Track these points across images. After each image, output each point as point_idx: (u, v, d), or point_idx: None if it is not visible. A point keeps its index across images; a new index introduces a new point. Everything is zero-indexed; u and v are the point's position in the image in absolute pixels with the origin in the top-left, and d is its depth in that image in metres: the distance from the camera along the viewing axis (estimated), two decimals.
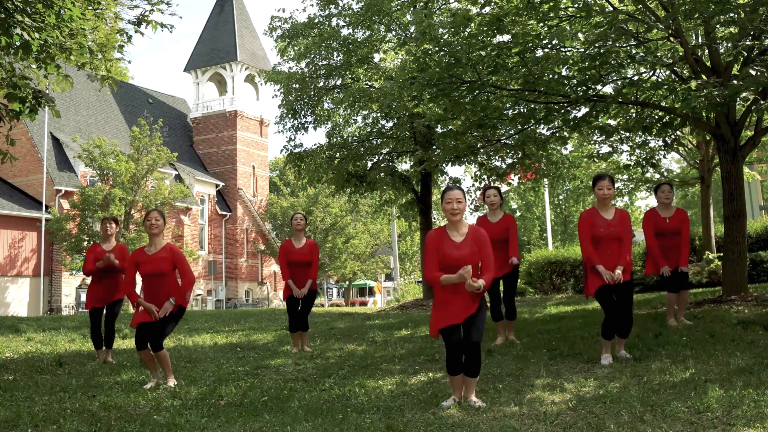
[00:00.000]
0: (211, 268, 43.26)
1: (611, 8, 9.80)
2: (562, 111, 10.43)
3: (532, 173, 14.83)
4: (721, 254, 10.99)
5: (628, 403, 4.70)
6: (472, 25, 10.49)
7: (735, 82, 8.35)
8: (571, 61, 9.99)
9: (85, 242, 31.84)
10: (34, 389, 6.36)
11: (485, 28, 10.09)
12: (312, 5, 19.84)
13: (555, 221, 46.21)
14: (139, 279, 6.64)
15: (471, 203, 20.34)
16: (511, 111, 11.11)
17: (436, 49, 10.51)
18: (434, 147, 16.70)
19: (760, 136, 10.35)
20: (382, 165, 18.83)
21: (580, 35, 9.64)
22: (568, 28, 9.91)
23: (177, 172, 42.42)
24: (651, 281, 14.26)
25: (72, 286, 35.92)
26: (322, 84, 18.80)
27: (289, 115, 19.14)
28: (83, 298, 33.50)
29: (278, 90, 19.06)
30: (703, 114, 9.83)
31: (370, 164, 18.96)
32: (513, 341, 8.07)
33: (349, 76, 18.89)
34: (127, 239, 31.00)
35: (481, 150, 12.87)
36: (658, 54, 10.52)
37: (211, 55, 47.88)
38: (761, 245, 14.77)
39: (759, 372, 5.31)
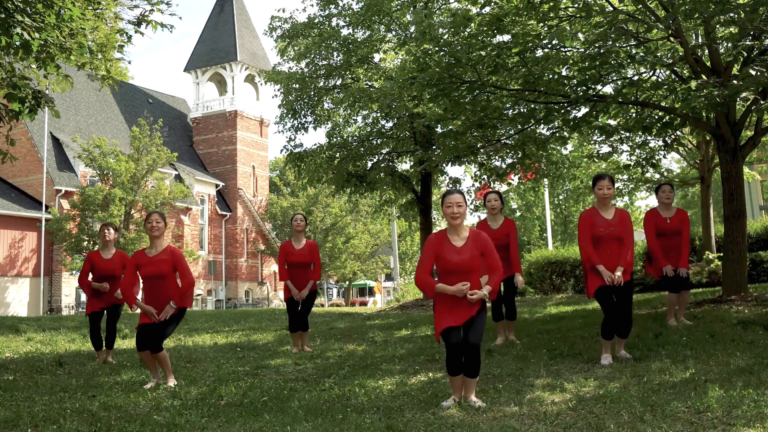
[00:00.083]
0: (211, 268, 43.26)
1: (611, 8, 9.80)
2: (562, 111, 10.43)
3: (532, 173, 14.83)
4: (721, 254, 10.99)
5: (628, 403, 4.70)
6: (472, 25, 10.49)
7: (735, 82, 8.35)
8: (571, 61, 9.99)
9: (85, 242, 31.85)
10: (34, 389, 6.36)
11: (485, 28, 10.09)
12: (312, 5, 19.84)
13: (555, 221, 46.21)
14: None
15: (471, 203, 20.35)
16: (511, 111, 11.11)
17: (436, 49, 10.51)
18: (434, 147, 16.70)
19: (760, 136, 10.35)
20: (382, 165, 18.82)
21: (580, 35, 9.64)
22: (568, 28, 9.91)
23: (177, 172, 42.42)
24: (651, 281, 14.26)
25: (72, 286, 35.91)
26: (322, 84, 18.79)
27: (289, 115, 19.13)
28: (83, 298, 33.48)
29: (278, 90, 19.06)
30: (703, 114, 9.83)
31: (370, 164, 18.95)
32: (513, 341, 8.07)
33: (349, 76, 18.88)
34: (127, 239, 31.00)
35: (481, 150, 12.87)
36: (658, 54, 10.52)
37: (211, 55, 47.89)
38: (761, 245, 14.77)
39: (759, 372, 5.31)
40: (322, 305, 43.71)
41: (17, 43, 8.17)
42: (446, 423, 4.48)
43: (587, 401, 4.89)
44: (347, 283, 52.29)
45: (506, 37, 10.35)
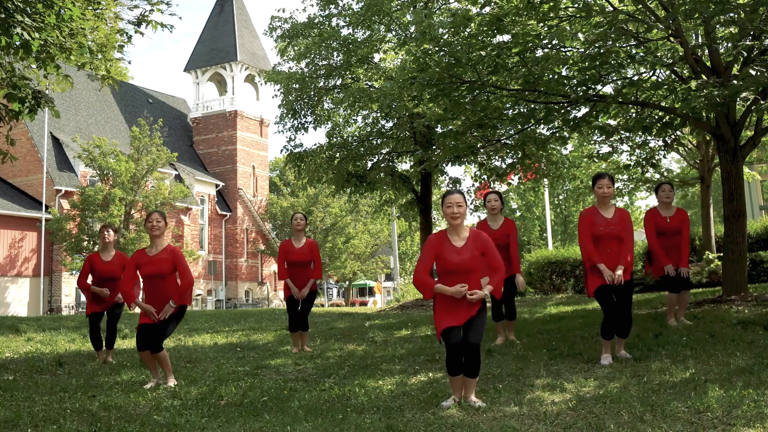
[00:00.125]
0: (211, 268, 43.27)
1: (611, 8, 9.80)
2: (562, 111, 10.43)
3: (532, 173, 14.83)
4: (721, 254, 10.99)
5: (628, 403, 4.70)
6: (472, 25, 10.49)
7: (735, 82, 8.35)
8: (571, 61, 9.99)
9: (85, 242, 31.85)
10: (34, 389, 6.36)
11: (485, 28, 10.09)
12: (312, 5, 19.85)
13: (555, 221, 46.21)
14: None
15: (470, 204, 20.35)
16: (511, 111, 11.11)
17: (436, 49, 10.51)
18: (434, 147, 16.70)
19: (760, 136, 10.35)
20: (382, 165, 18.82)
21: (580, 35, 9.64)
22: (568, 28, 9.91)
23: (177, 172, 42.42)
24: (651, 281, 14.26)
25: (72, 286, 35.91)
26: (322, 84, 18.79)
27: (289, 115, 19.13)
28: (83, 298, 33.45)
29: (278, 90, 19.06)
30: (703, 114, 9.83)
31: (370, 164, 18.95)
32: (513, 341, 8.07)
33: (349, 76, 18.88)
34: (127, 239, 31.01)
35: (481, 150, 12.87)
36: (658, 54, 10.52)
37: (211, 55, 47.89)
38: (761, 245, 14.77)
39: (759, 372, 5.31)
40: (322, 305, 43.70)
41: (17, 43, 8.17)
42: (446, 423, 4.48)
43: (587, 401, 4.89)
44: (347, 283, 52.29)
45: (506, 37, 10.35)
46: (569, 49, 10.37)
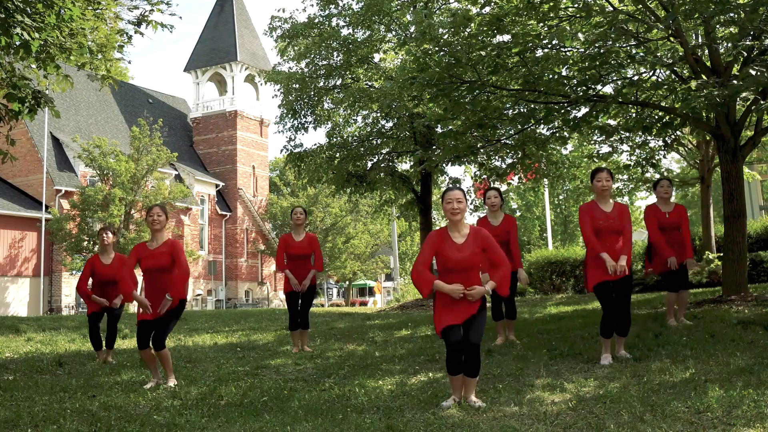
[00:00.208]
0: (211, 268, 43.26)
1: (611, 8, 9.80)
2: (562, 111, 10.43)
3: (532, 173, 14.83)
4: (721, 254, 10.99)
5: (628, 403, 4.70)
6: (472, 25, 10.49)
7: (735, 82, 8.36)
8: (571, 61, 9.99)
9: (85, 242, 31.85)
10: (34, 389, 6.36)
11: (485, 28, 10.09)
12: (312, 5, 19.86)
13: (555, 221, 46.21)
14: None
15: (470, 204, 20.35)
16: (511, 111, 11.11)
17: (436, 49, 10.51)
18: (434, 147, 16.70)
19: (760, 136, 10.35)
20: (382, 165, 18.83)
21: (580, 35, 9.64)
22: (568, 28, 9.91)
23: (177, 172, 42.42)
24: (651, 281, 14.26)
25: (72, 286, 35.90)
26: (322, 84, 18.79)
27: (289, 115, 19.14)
28: (83, 299, 33.46)
29: (278, 90, 19.06)
30: (703, 114, 9.83)
31: (370, 164, 18.96)
32: (513, 341, 8.07)
33: (349, 76, 18.88)
34: (127, 239, 31.00)
35: (481, 150, 12.87)
36: (658, 54, 10.52)
37: (211, 55, 47.89)
38: (761, 245, 14.77)
39: (759, 372, 5.31)
40: (322, 305, 43.70)
41: (17, 43, 8.17)
42: (446, 423, 4.48)
43: (587, 401, 4.89)
44: (347, 283, 52.29)
45: (506, 37, 10.35)
46: (569, 49, 10.37)
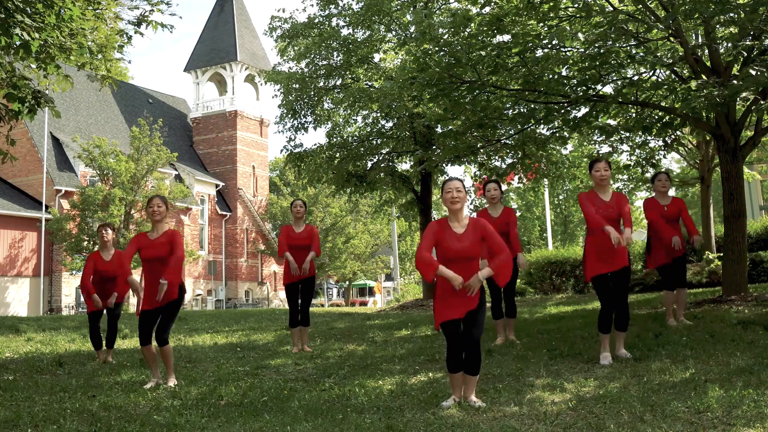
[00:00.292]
0: (211, 268, 43.26)
1: (611, 8, 9.80)
2: (562, 111, 10.43)
3: (532, 173, 14.83)
4: (721, 254, 10.99)
5: (628, 403, 4.70)
6: (472, 25, 10.49)
7: (735, 82, 8.35)
8: (571, 61, 9.98)
9: (85, 242, 31.86)
10: (34, 389, 6.36)
11: (485, 28, 10.09)
12: (312, 5, 19.86)
13: (555, 221, 46.19)
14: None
15: (470, 204, 20.35)
16: (511, 111, 11.11)
17: (436, 49, 10.51)
18: (434, 147, 16.70)
19: (760, 136, 10.35)
20: (382, 165, 18.83)
21: (580, 35, 9.64)
22: (568, 28, 9.90)
23: (177, 172, 42.42)
24: (651, 281, 14.26)
25: (72, 286, 35.91)
26: (322, 84, 18.80)
27: (289, 115, 19.14)
28: (83, 298, 33.48)
29: (278, 90, 19.07)
30: (703, 114, 9.83)
31: (370, 164, 18.96)
32: (513, 341, 8.07)
33: (349, 76, 18.89)
34: (127, 239, 31.00)
35: (481, 150, 12.87)
36: (658, 54, 10.52)
37: (211, 55, 47.89)
38: (761, 245, 14.77)
39: (759, 372, 5.31)
40: (322, 305, 43.70)
41: (17, 43, 8.17)
42: (446, 423, 4.48)
43: (587, 401, 4.89)
44: (347, 283, 52.28)
45: (506, 37, 10.35)
46: (569, 49, 10.37)
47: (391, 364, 7.21)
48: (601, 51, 9.30)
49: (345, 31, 18.48)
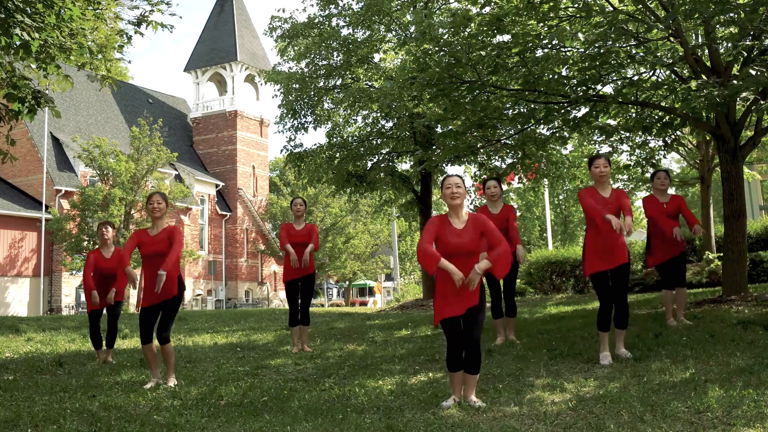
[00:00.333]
0: (211, 268, 43.26)
1: (611, 8, 9.80)
2: (562, 111, 10.43)
3: (532, 173, 14.83)
4: (721, 254, 10.99)
5: (628, 403, 4.70)
6: (472, 25, 10.49)
7: (735, 82, 8.35)
8: (571, 61, 9.98)
9: (85, 242, 31.86)
10: (34, 389, 6.36)
11: (485, 28, 10.09)
12: (312, 5, 19.86)
13: (555, 221, 46.18)
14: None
15: (470, 204, 20.35)
16: (511, 111, 11.11)
17: (436, 49, 10.51)
18: (434, 147, 16.70)
19: (760, 136, 10.35)
20: (382, 165, 18.83)
21: (580, 35, 9.64)
22: (568, 28, 9.90)
23: (177, 172, 42.42)
24: (651, 281, 14.26)
25: (72, 286, 35.91)
26: (322, 84, 18.79)
27: (289, 115, 19.13)
28: (83, 298, 33.47)
29: (278, 90, 19.06)
30: (703, 114, 9.83)
31: (370, 164, 18.96)
32: (513, 341, 8.07)
33: (349, 76, 18.88)
34: (127, 238, 31.00)
35: (481, 150, 12.87)
36: (658, 54, 10.52)
37: (211, 55, 47.89)
38: (761, 245, 14.77)
39: (759, 372, 5.31)
40: (322, 305, 43.70)
41: (17, 43, 8.17)
42: (446, 423, 4.48)
43: (587, 401, 4.89)
44: (347, 283, 52.28)
45: (506, 37, 10.35)
46: (569, 49, 10.37)
47: (391, 364, 7.21)
48: (601, 51, 9.30)
49: (345, 31, 18.49)
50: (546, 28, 9.93)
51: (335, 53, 18.37)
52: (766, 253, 13.89)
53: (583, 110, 10.67)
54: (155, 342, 6.52)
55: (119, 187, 31.74)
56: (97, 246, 11.03)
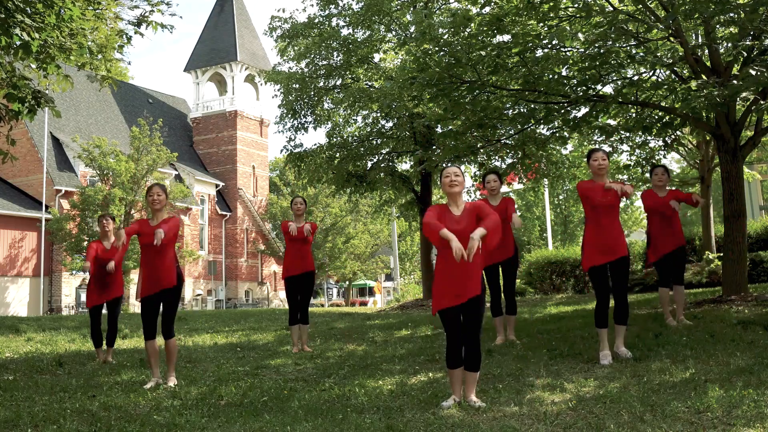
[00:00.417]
0: (211, 268, 43.25)
1: (611, 8, 9.80)
2: (562, 111, 10.43)
3: (532, 173, 14.83)
4: (721, 254, 10.99)
5: (628, 403, 4.70)
6: (472, 25, 10.49)
7: (735, 82, 8.35)
8: (571, 61, 9.98)
9: (85, 242, 31.86)
10: (34, 389, 6.36)
11: (485, 28, 10.09)
12: (312, 5, 19.85)
13: (555, 221, 46.16)
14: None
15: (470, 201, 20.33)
16: (511, 111, 11.11)
17: (436, 49, 10.51)
18: (434, 147, 16.70)
19: (760, 136, 10.35)
20: (382, 165, 18.82)
21: (580, 35, 9.64)
22: (568, 28, 9.90)
23: (177, 172, 42.42)
24: (651, 281, 14.27)
25: (72, 286, 35.91)
26: (322, 84, 18.79)
27: (289, 115, 19.13)
28: (83, 298, 33.49)
29: (278, 90, 19.06)
30: (703, 114, 9.83)
31: (370, 164, 18.95)
32: (513, 341, 8.07)
33: (349, 76, 18.88)
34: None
35: (481, 150, 12.86)
36: (658, 54, 10.52)
37: (211, 55, 47.88)
38: (761, 245, 14.77)
39: (759, 372, 5.31)
40: (322, 305, 43.70)
41: (17, 43, 8.17)
42: (446, 423, 4.48)
43: (587, 401, 4.89)
44: (347, 283, 52.28)
45: (506, 37, 10.35)
46: (569, 49, 10.37)
47: (391, 364, 7.21)
48: (601, 51, 9.30)
49: (345, 31, 18.49)
50: (546, 28, 9.93)
51: (335, 53, 18.37)
52: (766, 253, 13.88)
53: (583, 110, 10.67)
54: (158, 340, 6.54)
55: (119, 187, 31.74)
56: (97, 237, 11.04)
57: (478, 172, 15.31)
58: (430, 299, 17.13)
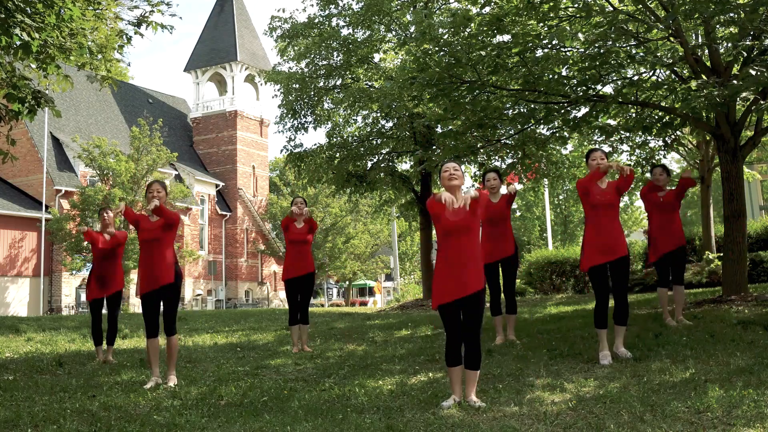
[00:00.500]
0: (211, 268, 43.25)
1: (611, 8, 9.80)
2: (562, 111, 10.43)
3: (532, 173, 14.83)
4: (721, 254, 10.99)
5: (628, 403, 4.70)
6: (472, 25, 10.49)
7: (735, 82, 8.35)
8: (571, 61, 9.98)
9: (85, 242, 31.86)
10: (34, 389, 6.36)
11: (485, 28, 10.09)
12: (312, 5, 19.85)
13: (555, 221, 46.17)
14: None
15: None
16: (511, 111, 11.11)
17: (436, 49, 10.51)
18: (434, 147, 16.70)
19: (760, 136, 10.35)
20: (382, 165, 18.83)
21: (580, 35, 9.64)
22: (568, 28, 9.90)
23: (177, 172, 42.42)
24: (651, 281, 14.27)
25: (72, 286, 35.91)
26: (322, 84, 18.79)
27: (289, 115, 19.13)
28: (83, 298, 33.51)
29: (278, 90, 19.06)
30: (703, 114, 9.83)
31: (370, 164, 18.95)
32: (513, 341, 8.07)
33: (349, 76, 18.88)
34: (128, 238, 31.01)
35: (481, 150, 12.86)
36: (658, 54, 10.52)
37: (211, 55, 47.89)
38: (761, 245, 14.77)
39: (759, 372, 5.31)
40: (322, 305, 43.70)
41: (17, 43, 8.17)
42: (446, 423, 4.48)
43: (587, 401, 4.89)
44: (347, 283, 52.28)
45: (506, 37, 10.35)
46: (569, 49, 10.37)
47: (391, 364, 7.21)
48: (601, 51, 9.30)
49: (345, 31, 18.49)
50: (546, 28, 9.93)
51: (335, 53, 18.37)
52: (766, 253, 13.89)
53: (583, 110, 10.67)
54: (161, 339, 6.57)
55: (119, 187, 31.75)
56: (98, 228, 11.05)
57: (478, 172, 15.31)
58: (430, 299, 17.13)
